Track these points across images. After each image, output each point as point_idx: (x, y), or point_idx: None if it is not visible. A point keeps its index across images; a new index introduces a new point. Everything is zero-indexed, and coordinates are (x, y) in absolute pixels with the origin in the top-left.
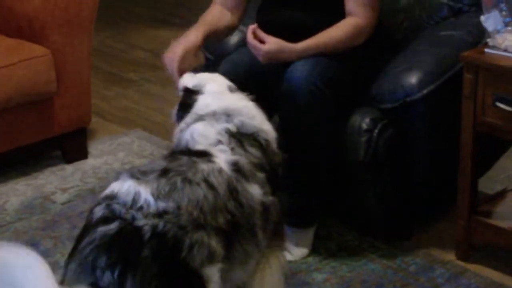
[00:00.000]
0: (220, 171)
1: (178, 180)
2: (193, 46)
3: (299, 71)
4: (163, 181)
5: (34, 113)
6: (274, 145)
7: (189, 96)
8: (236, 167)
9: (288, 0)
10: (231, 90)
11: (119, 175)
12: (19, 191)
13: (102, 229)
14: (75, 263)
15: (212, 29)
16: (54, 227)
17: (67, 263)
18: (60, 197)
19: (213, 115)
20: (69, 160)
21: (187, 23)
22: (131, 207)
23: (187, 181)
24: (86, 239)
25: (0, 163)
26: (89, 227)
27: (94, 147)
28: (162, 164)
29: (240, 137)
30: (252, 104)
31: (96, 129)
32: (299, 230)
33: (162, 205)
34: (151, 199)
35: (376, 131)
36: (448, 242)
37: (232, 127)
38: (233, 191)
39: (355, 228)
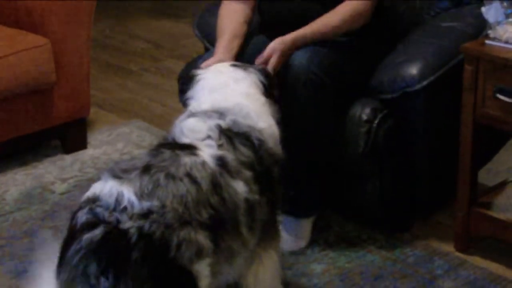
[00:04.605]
0: (204, 164)
1: (161, 176)
2: None
3: (298, 59)
4: (146, 178)
5: (33, 103)
6: (270, 144)
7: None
8: (221, 162)
9: None
10: (236, 80)
11: (100, 174)
12: (18, 181)
13: (87, 236)
14: (66, 273)
15: (239, 43)
16: (53, 217)
17: (58, 274)
18: (59, 187)
19: (205, 113)
20: (68, 150)
21: (187, 14)
22: (114, 210)
23: (170, 176)
24: (73, 247)
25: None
26: (73, 233)
27: (93, 138)
28: (144, 159)
29: (231, 135)
30: (253, 99)
31: (95, 120)
32: (297, 220)
33: (146, 204)
34: (134, 199)
35: (376, 122)
36: (447, 234)
37: (224, 124)
38: (216, 186)
39: (354, 219)
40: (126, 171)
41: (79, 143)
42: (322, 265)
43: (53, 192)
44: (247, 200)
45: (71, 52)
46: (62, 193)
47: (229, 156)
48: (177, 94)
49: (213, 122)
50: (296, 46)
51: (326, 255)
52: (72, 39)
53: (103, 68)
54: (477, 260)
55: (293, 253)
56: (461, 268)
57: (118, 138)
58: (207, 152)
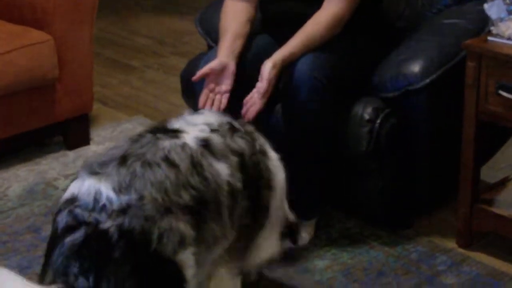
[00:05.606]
0: (184, 146)
1: (137, 165)
2: (225, 71)
3: (300, 65)
4: (123, 171)
5: (36, 99)
6: (270, 165)
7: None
8: (204, 143)
9: None
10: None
11: (78, 172)
12: (21, 177)
13: (69, 240)
14: (50, 277)
15: (242, 43)
16: None
17: (42, 278)
18: (62, 183)
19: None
20: (71, 146)
21: (190, 10)
22: (93, 209)
23: (146, 164)
24: (56, 251)
25: (2, 149)
26: (56, 238)
27: (96, 134)
28: (122, 148)
29: (236, 130)
30: None
31: (98, 116)
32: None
33: (124, 198)
34: (113, 195)
35: (378, 121)
36: (449, 230)
37: (236, 124)
38: (196, 165)
39: (357, 215)
40: (103, 164)
41: (82, 139)
42: (325, 261)
43: (56, 188)
44: (229, 183)
45: (74, 48)
46: (65, 189)
47: (218, 139)
48: (180, 91)
49: (228, 119)
50: (285, 64)
51: (328, 251)
52: (75, 35)
53: (106, 64)
54: (479, 256)
55: (296, 249)
56: (463, 264)
57: (121, 134)
58: (192, 135)
